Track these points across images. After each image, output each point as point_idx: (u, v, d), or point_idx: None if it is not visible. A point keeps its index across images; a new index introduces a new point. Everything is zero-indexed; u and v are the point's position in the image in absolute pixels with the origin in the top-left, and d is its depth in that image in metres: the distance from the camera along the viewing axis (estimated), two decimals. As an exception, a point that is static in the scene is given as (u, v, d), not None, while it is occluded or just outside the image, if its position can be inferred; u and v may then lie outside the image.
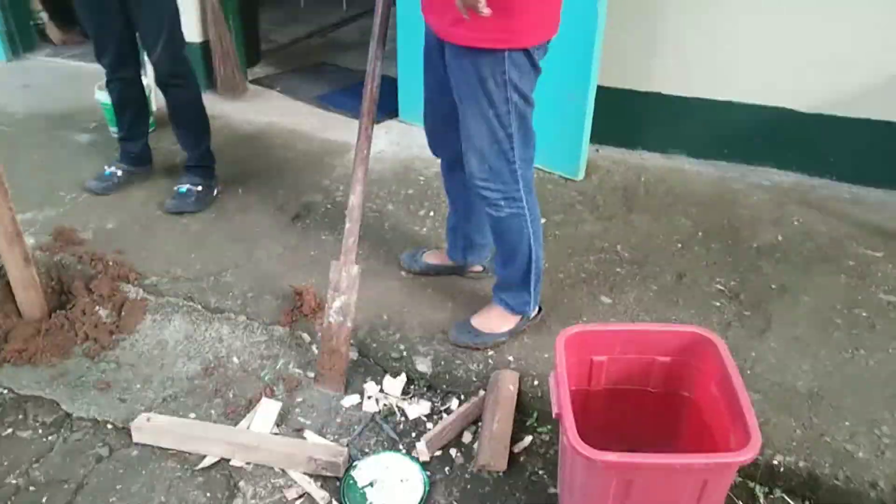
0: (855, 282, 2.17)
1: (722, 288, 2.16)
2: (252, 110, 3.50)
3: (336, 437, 1.75)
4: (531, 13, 1.48)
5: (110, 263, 2.25)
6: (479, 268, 2.21)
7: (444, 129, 1.83)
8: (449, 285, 2.19)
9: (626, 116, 2.95)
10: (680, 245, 2.38)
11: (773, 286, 2.16)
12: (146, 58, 2.53)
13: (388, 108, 3.27)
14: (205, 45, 3.53)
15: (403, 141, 3.15)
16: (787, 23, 2.57)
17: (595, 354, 1.47)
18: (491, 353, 1.92)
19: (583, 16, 2.41)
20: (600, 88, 2.65)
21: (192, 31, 3.41)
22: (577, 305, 2.10)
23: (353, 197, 1.82)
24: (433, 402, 1.85)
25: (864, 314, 2.03)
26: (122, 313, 2.10)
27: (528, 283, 1.86)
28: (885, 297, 2.10)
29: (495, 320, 1.93)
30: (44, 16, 4.35)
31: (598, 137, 2.83)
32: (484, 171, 1.66)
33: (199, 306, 2.14)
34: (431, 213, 2.61)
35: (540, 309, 1.99)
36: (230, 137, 3.19)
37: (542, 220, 2.13)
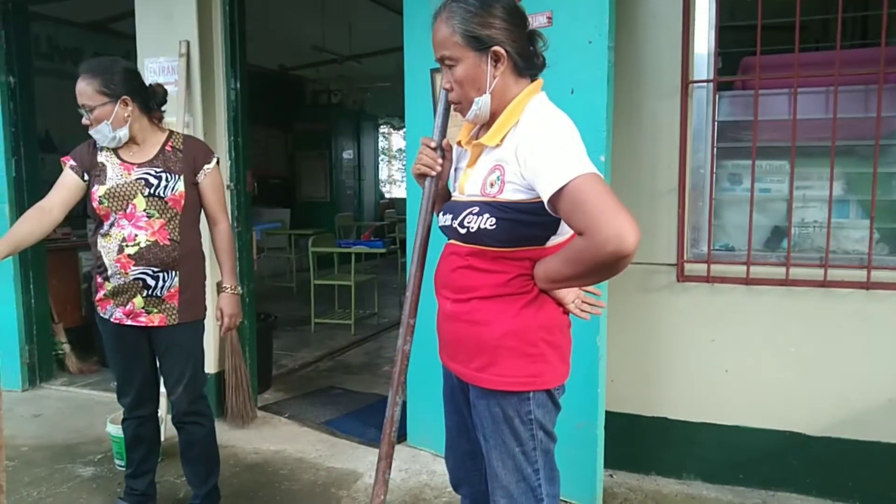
0: None
1: None
2: (260, 438, 3.49)
3: None
4: (552, 360, 1.59)
5: None
6: None
7: (467, 467, 1.83)
8: None
9: (637, 441, 2.96)
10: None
11: None
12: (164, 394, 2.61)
13: (400, 433, 3.27)
14: (219, 375, 3.65)
15: (412, 467, 3.10)
16: (780, 352, 2.73)
17: None
18: None
19: (585, 348, 2.56)
20: (610, 414, 2.71)
21: (208, 363, 3.53)
22: None
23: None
24: None
25: None
26: None
27: None
28: None
29: None
30: (66, 347, 4.56)
31: (611, 463, 2.81)
32: (512, 511, 1.63)
33: None
34: (445, 551, 2.46)
35: None
36: (236, 468, 3.14)
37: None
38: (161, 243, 2.32)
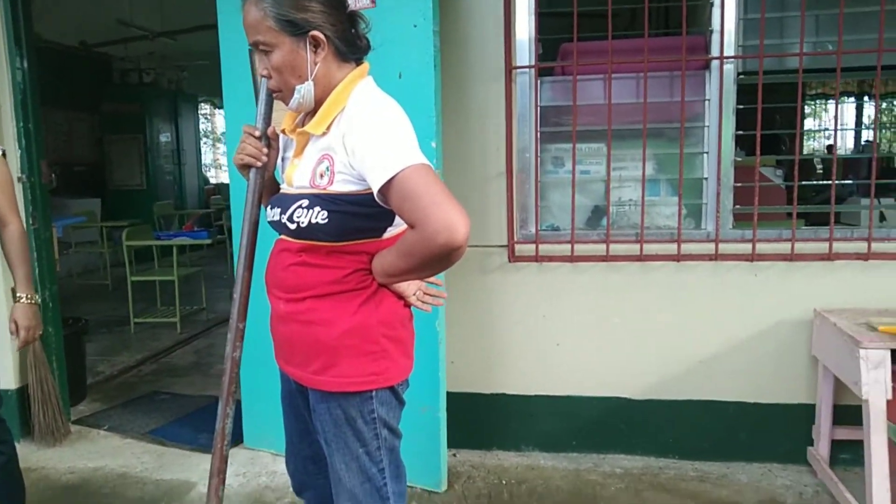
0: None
1: None
2: (75, 455, 3.15)
3: None
4: (395, 355, 1.54)
5: None
6: None
7: (310, 471, 1.75)
8: None
9: (477, 419, 3.02)
10: (555, 552, 2.32)
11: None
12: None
13: (231, 434, 3.10)
14: (21, 391, 3.25)
15: (251, 470, 2.95)
16: (604, 324, 2.90)
17: None
18: None
19: (426, 333, 2.55)
20: (450, 395, 2.73)
21: (7, 378, 3.17)
22: None
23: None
24: None
25: None
26: None
27: None
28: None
29: None
30: None
31: (454, 442, 2.84)
32: (357, 515, 1.57)
33: None
34: (290, 555, 2.37)
35: None
36: (47, 492, 2.81)
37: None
38: None
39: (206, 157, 12.68)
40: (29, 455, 3.09)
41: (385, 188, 1.32)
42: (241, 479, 2.88)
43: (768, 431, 2.82)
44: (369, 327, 1.50)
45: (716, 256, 2.75)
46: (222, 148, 18.09)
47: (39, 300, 2.30)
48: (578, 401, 2.96)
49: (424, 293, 1.63)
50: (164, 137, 9.99)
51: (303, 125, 1.53)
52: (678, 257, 2.78)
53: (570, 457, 2.97)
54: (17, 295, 2.21)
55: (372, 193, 1.37)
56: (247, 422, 3.14)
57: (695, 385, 2.85)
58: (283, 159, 1.65)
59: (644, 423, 2.92)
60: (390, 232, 1.49)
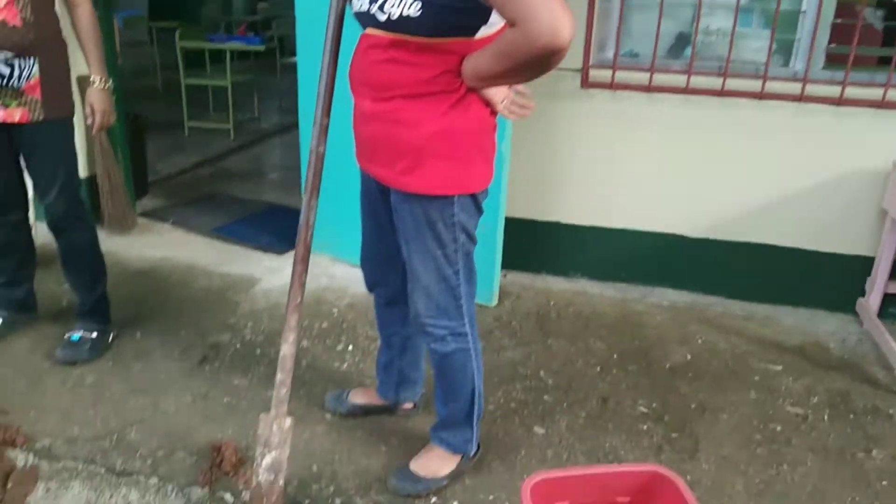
0: (764, 396, 2.31)
1: (646, 410, 2.22)
2: (143, 245, 3.33)
3: None
4: (478, 163, 1.55)
5: (-8, 428, 1.99)
6: (410, 405, 2.14)
7: (384, 269, 1.84)
8: (380, 427, 2.10)
9: (530, 244, 3.08)
10: (599, 368, 2.45)
11: (693, 406, 2.25)
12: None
13: (294, 238, 3.22)
14: (90, 180, 3.36)
15: (312, 271, 3.03)
16: (673, 159, 2.85)
17: (557, 500, 1.44)
18: (434, 499, 1.83)
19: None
20: (507, 220, 2.77)
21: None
22: (513, 439, 2.07)
23: (286, 346, 1.74)
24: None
25: (778, 428, 2.15)
26: (9, 484, 1.83)
27: (472, 419, 1.83)
28: (793, 410, 2.24)
29: (436, 462, 1.87)
30: None
31: (505, 264, 2.92)
32: (431, 309, 1.66)
33: (102, 470, 1.90)
34: (350, 348, 2.53)
35: (478, 447, 1.94)
36: (121, 276, 2.98)
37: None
38: (10, 24, 1.97)
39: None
40: (100, 242, 3.26)
41: None
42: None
43: (820, 280, 2.84)
44: (456, 132, 1.49)
45: (801, 97, 2.62)
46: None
47: (112, 85, 2.31)
48: (632, 234, 2.98)
49: (512, 102, 1.59)
50: (210, -67, 9.47)
51: None
52: (761, 95, 2.65)
53: (617, 286, 3.05)
54: (91, 79, 2.22)
55: None
56: (306, 227, 3.24)
57: (754, 228, 2.84)
58: None
59: (696, 260, 2.95)
60: (482, 32, 1.42)
